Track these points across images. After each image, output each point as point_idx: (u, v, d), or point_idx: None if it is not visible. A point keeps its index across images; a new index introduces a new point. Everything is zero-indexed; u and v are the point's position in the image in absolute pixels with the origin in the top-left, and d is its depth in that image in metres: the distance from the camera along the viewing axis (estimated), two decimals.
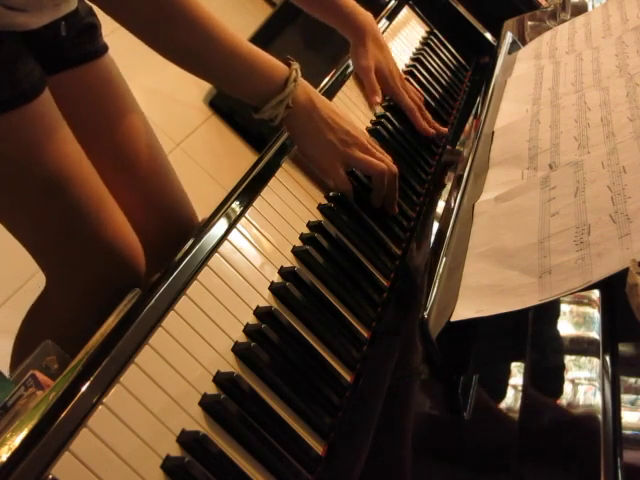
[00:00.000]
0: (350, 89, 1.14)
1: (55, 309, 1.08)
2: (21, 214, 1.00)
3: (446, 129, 1.22)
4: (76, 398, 0.56)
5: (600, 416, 0.58)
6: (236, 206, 0.81)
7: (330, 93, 1.09)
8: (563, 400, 0.62)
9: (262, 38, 2.48)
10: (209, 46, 0.85)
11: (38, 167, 0.95)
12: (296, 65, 0.92)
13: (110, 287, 0.98)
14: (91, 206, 0.99)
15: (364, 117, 1.12)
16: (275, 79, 0.89)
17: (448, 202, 1.03)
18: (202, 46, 0.85)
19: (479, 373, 0.71)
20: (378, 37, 1.19)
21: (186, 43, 0.86)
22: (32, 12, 0.95)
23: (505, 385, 0.69)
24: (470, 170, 1.00)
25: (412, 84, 1.26)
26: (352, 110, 1.10)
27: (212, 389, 0.64)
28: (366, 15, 1.19)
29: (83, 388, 0.57)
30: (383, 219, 0.95)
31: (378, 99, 1.15)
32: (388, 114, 1.13)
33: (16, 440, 0.54)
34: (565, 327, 0.71)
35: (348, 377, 0.75)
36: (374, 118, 1.13)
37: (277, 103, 0.89)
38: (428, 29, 1.46)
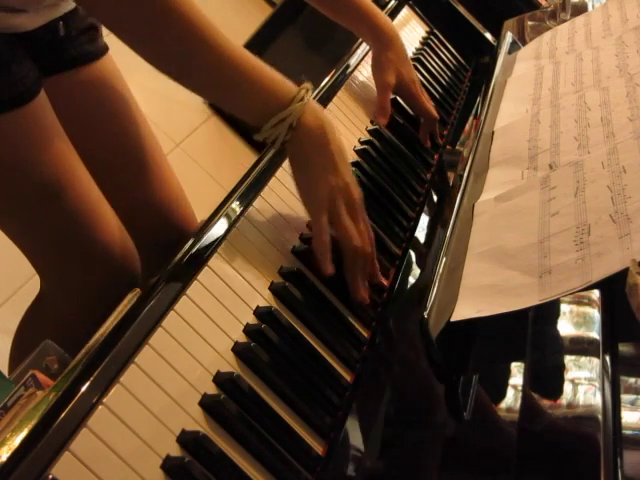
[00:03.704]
0: (350, 89, 1.14)
1: (52, 312, 1.08)
2: (16, 218, 1.00)
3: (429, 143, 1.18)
4: (76, 398, 0.56)
5: (600, 416, 0.58)
6: (236, 206, 0.81)
7: (330, 93, 1.09)
8: (563, 400, 0.62)
9: (262, 38, 2.48)
10: (201, 49, 0.78)
11: (32, 171, 0.94)
12: (308, 85, 0.82)
13: (106, 291, 0.98)
14: (86, 211, 0.98)
15: (364, 117, 1.12)
16: (278, 95, 0.80)
17: (448, 202, 1.03)
18: (193, 48, 0.78)
19: (479, 373, 0.71)
20: (400, 46, 1.16)
21: (176, 45, 0.79)
22: (29, 12, 0.95)
23: (505, 385, 0.69)
24: (470, 170, 1.00)
25: None
26: (352, 110, 1.10)
27: (212, 389, 0.64)
28: (388, 22, 1.16)
29: (83, 388, 0.57)
30: (383, 219, 0.95)
31: (384, 121, 1.11)
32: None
33: (16, 440, 0.54)
34: (565, 327, 0.71)
35: (348, 377, 0.75)
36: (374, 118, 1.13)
37: (278, 122, 0.79)
38: (428, 29, 1.46)
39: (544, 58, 1.23)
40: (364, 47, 1.23)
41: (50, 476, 0.51)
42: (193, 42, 0.78)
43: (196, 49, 0.78)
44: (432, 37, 1.44)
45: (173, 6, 0.77)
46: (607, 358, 0.63)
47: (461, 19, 1.53)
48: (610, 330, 0.66)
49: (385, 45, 1.14)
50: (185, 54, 0.79)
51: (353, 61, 1.19)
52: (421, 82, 1.28)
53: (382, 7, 1.40)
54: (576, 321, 0.70)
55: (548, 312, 0.70)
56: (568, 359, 0.67)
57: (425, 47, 1.39)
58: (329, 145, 0.81)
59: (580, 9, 1.43)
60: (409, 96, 1.16)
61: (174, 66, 0.81)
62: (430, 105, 1.18)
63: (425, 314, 0.75)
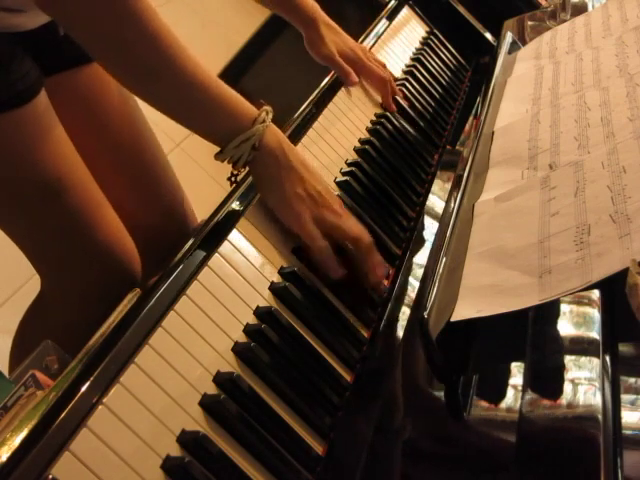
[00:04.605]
0: (349, 89, 1.14)
1: (52, 312, 1.08)
2: (16, 217, 1.00)
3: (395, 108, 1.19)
4: (76, 398, 0.56)
5: (600, 416, 0.58)
6: (236, 206, 0.81)
7: (330, 93, 1.09)
8: (563, 400, 0.62)
9: (262, 38, 2.48)
10: (169, 66, 0.77)
11: (33, 170, 0.94)
12: (268, 108, 0.84)
13: (106, 291, 0.98)
14: (86, 210, 0.99)
15: (364, 117, 1.12)
16: (241, 117, 0.81)
17: (448, 202, 1.03)
18: (164, 65, 0.77)
19: (479, 373, 0.71)
20: (328, 22, 1.18)
21: (147, 60, 0.77)
22: (29, 12, 0.95)
23: (505, 385, 0.69)
24: (470, 170, 0.99)
25: (412, 84, 1.26)
26: (351, 110, 1.10)
27: (212, 389, 0.64)
28: (312, 3, 1.17)
29: (83, 388, 0.57)
30: (383, 219, 0.95)
31: (355, 78, 1.14)
32: (388, 114, 1.13)
33: (16, 440, 0.54)
34: (565, 327, 0.71)
35: (348, 377, 0.75)
36: (374, 118, 1.13)
37: (241, 142, 0.80)
38: (428, 29, 1.46)
39: (544, 58, 1.23)
40: None
41: (50, 476, 0.51)
42: (163, 59, 0.78)
43: (166, 66, 0.78)
44: (432, 37, 1.44)
45: (143, 21, 0.76)
46: (607, 358, 0.63)
47: (461, 19, 1.53)
48: (610, 330, 0.66)
49: (310, 23, 1.15)
50: (155, 71, 0.78)
51: None
52: (421, 82, 1.28)
53: (382, 7, 1.40)
54: (576, 321, 0.70)
55: (548, 312, 0.70)
56: (568, 359, 0.67)
57: (425, 47, 1.39)
58: (292, 161, 0.83)
59: (580, 9, 1.43)
60: (353, 62, 1.16)
61: (144, 83, 0.80)
62: (377, 67, 1.18)
63: (425, 314, 0.75)
